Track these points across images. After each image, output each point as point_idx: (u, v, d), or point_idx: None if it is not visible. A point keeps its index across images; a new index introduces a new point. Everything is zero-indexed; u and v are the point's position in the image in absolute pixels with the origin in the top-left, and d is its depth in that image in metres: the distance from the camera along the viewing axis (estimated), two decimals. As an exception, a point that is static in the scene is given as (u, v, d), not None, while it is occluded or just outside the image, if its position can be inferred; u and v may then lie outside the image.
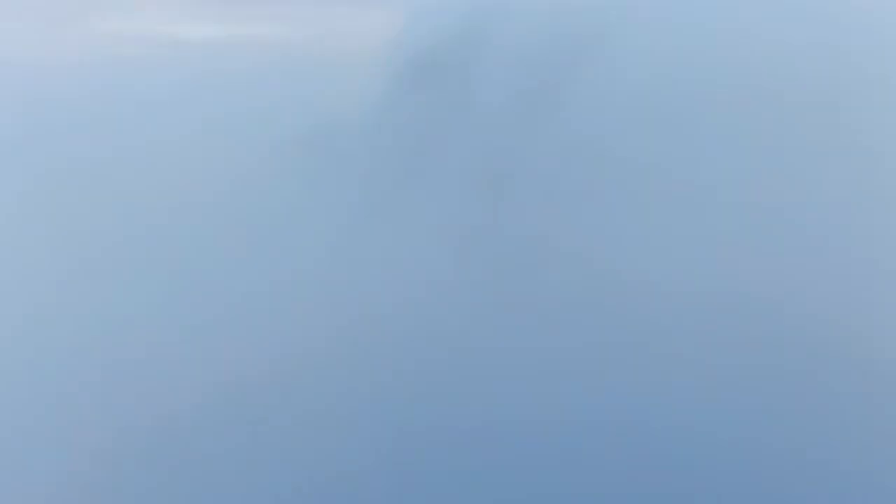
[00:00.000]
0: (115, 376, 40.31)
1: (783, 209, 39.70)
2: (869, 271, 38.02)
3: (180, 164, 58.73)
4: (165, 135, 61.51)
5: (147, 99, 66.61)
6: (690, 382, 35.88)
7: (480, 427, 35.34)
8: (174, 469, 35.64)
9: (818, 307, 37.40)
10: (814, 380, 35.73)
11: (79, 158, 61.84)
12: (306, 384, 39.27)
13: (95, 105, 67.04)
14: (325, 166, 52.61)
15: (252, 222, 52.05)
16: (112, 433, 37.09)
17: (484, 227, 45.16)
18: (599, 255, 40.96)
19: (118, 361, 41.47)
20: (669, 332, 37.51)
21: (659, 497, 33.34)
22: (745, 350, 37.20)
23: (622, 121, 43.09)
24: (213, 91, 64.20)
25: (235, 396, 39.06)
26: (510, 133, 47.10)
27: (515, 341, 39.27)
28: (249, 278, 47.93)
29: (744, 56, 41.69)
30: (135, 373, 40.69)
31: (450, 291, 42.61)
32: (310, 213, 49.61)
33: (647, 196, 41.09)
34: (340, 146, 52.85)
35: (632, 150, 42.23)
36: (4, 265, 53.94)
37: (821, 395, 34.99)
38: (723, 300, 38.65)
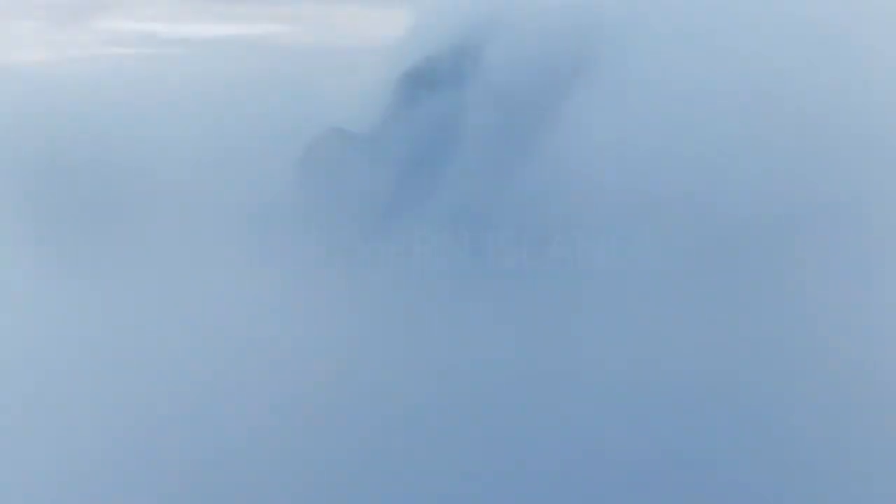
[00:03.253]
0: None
1: (785, 239, 39.37)
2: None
3: (176, 164, 58.88)
4: (161, 135, 61.58)
5: (143, 99, 66.69)
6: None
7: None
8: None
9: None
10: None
11: (78, 159, 61.99)
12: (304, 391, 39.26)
13: (95, 105, 67.10)
14: (318, 177, 52.69)
15: (245, 229, 52.06)
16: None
17: (474, 253, 45.27)
18: (590, 278, 40.87)
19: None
20: (669, 348, 37.51)
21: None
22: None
23: (617, 141, 42.98)
24: (210, 92, 64.27)
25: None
26: (501, 154, 47.16)
27: (510, 362, 39.23)
28: (239, 284, 48.15)
29: (742, 76, 41.45)
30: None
31: (442, 309, 42.63)
32: (299, 226, 49.56)
33: (640, 221, 40.81)
34: (334, 157, 52.85)
35: (626, 171, 42.06)
36: None
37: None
38: (722, 310, 38.66)
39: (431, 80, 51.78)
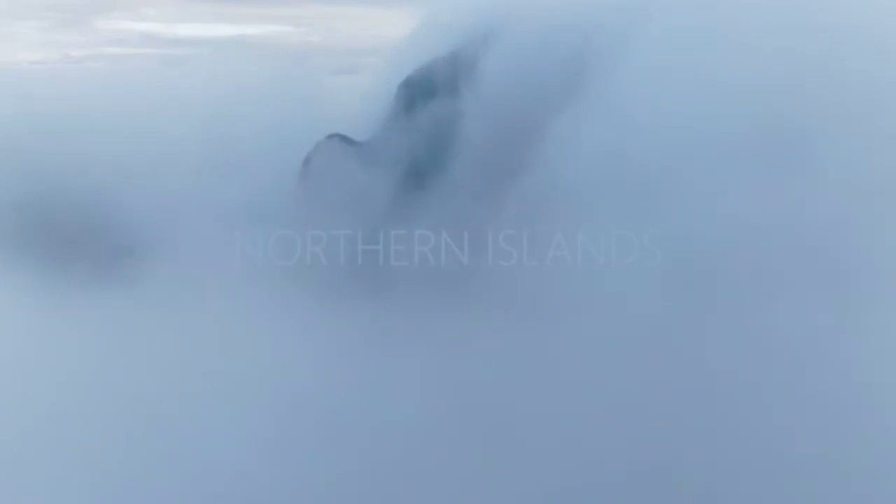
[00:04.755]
0: None
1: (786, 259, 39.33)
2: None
3: (175, 166, 58.85)
4: (160, 136, 61.55)
5: (143, 100, 66.65)
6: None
7: None
8: None
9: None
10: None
11: (77, 160, 61.99)
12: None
13: (95, 105, 67.08)
14: (317, 180, 52.76)
15: (243, 231, 52.06)
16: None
17: (472, 256, 45.39)
18: (584, 294, 40.95)
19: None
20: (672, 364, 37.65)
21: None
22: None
23: (613, 147, 43.04)
24: (210, 93, 64.24)
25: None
26: (499, 161, 47.35)
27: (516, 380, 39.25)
28: (237, 287, 48.15)
29: (739, 88, 41.50)
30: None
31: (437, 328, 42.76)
32: (297, 229, 49.52)
33: (638, 227, 40.82)
34: (334, 162, 52.89)
35: (623, 177, 42.14)
36: None
37: None
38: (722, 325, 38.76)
39: (430, 88, 51.93)
